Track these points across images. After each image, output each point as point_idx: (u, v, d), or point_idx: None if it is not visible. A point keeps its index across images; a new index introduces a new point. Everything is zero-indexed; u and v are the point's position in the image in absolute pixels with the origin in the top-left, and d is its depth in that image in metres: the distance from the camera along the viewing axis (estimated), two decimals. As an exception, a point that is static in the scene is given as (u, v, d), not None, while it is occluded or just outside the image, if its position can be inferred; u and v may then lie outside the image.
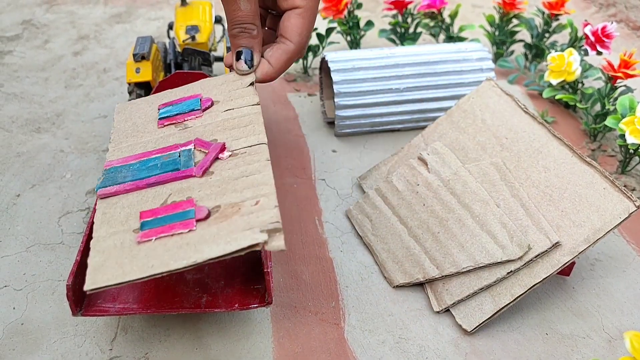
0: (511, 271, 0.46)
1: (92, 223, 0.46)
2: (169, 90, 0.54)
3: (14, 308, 0.48)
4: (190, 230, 0.39)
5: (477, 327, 0.46)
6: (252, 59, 0.47)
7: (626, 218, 0.45)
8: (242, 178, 0.43)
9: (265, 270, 0.41)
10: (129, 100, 0.63)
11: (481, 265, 0.47)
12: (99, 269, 0.38)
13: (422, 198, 0.54)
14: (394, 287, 0.51)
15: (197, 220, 0.40)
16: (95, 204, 0.45)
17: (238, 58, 0.47)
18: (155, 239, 0.39)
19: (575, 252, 0.45)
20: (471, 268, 0.47)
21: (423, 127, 0.65)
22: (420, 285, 0.50)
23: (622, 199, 0.45)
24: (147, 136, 0.49)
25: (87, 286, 0.37)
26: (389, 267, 0.52)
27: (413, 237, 0.52)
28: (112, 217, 0.42)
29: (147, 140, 0.49)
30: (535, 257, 0.46)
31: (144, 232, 0.40)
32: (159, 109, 0.52)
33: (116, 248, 0.40)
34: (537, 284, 0.45)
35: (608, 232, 0.45)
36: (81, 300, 0.43)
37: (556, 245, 0.46)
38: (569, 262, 0.45)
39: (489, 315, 0.46)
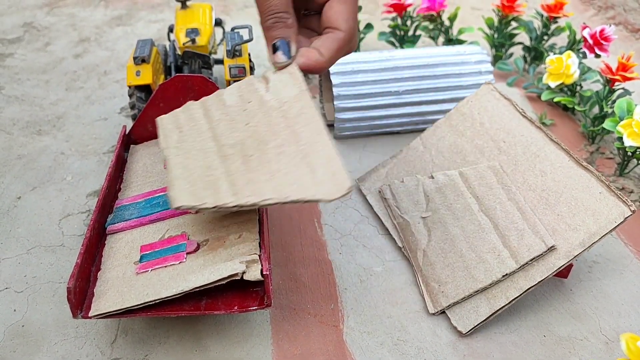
0: (506, 274, 0.46)
1: (93, 227, 0.47)
2: None
3: (14, 310, 0.49)
4: (180, 262, 0.44)
5: (472, 329, 0.46)
6: (289, 49, 0.45)
7: (621, 222, 0.45)
8: (229, 213, 0.47)
9: (264, 273, 0.42)
10: (129, 102, 0.63)
11: (287, 200, 0.39)
12: (102, 296, 0.43)
13: (249, 117, 0.46)
14: (174, 208, 0.41)
15: (188, 253, 0.45)
16: (96, 208, 0.49)
17: (274, 50, 0.45)
18: (152, 270, 0.44)
19: (571, 255, 0.45)
20: (274, 202, 0.39)
21: (422, 130, 0.66)
22: (418, 287, 0.51)
23: (618, 204, 0.46)
24: (154, 176, 0.54)
25: (92, 312, 0.42)
26: (178, 184, 0.42)
27: (221, 156, 0.44)
28: (118, 251, 0.47)
29: (154, 180, 0.54)
30: (531, 260, 0.46)
31: (143, 264, 0.45)
32: None
33: (118, 278, 0.44)
34: (532, 286, 0.46)
35: (603, 236, 0.45)
36: (82, 302, 0.43)
37: (551, 249, 0.46)
38: (565, 266, 0.46)
39: (484, 318, 0.46)
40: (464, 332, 0.46)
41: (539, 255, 0.46)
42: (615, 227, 0.45)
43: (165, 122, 0.49)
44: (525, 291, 0.46)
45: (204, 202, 0.40)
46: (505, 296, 0.46)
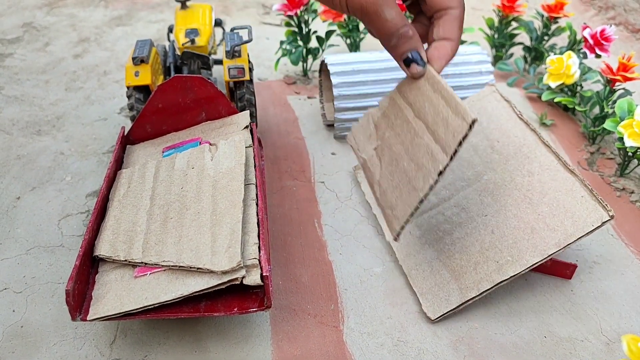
0: (441, 172, 0.42)
1: (92, 228, 0.47)
2: (174, 133, 0.60)
3: (13, 310, 0.49)
4: (180, 266, 0.44)
5: (441, 316, 0.47)
6: (421, 58, 0.45)
7: (599, 226, 0.46)
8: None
9: (264, 274, 0.42)
10: (128, 104, 0.63)
11: (183, 264, 0.44)
12: (100, 300, 0.43)
13: (186, 181, 0.51)
14: (94, 256, 0.47)
15: None
16: (95, 209, 0.49)
17: (408, 64, 0.46)
18: (150, 273, 0.44)
19: (545, 254, 0.46)
20: (171, 265, 0.44)
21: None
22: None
23: (597, 208, 0.47)
24: None
25: (90, 316, 0.42)
26: (104, 236, 0.47)
27: (149, 214, 0.49)
28: None
29: None
30: (458, 145, 0.42)
31: (141, 267, 0.45)
32: (163, 152, 0.57)
33: (117, 281, 0.45)
34: (504, 280, 0.47)
35: (579, 238, 0.46)
36: (80, 305, 0.43)
37: (474, 122, 0.41)
38: (538, 264, 0.46)
39: (455, 306, 0.47)
40: (432, 319, 0.47)
41: (465, 137, 0.42)
42: (592, 230, 0.46)
43: (122, 176, 0.54)
44: (497, 284, 0.47)
45: (117, 255, 0.46)
46: (477, 288, 0.47)
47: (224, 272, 0.42)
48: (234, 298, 0.43)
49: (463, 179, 0.55)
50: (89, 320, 0.42)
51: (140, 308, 0.41)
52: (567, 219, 0.47)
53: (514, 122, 0.55)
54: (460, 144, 0.41)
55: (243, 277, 0.42)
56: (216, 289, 0.42)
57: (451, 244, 0.51)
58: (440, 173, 0.42)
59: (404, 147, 0.47)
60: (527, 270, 0.46)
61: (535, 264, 0.46)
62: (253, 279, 0.42)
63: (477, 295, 0.47)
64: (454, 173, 0.56)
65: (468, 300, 0.47)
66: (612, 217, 0.46)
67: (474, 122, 0.41)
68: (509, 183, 0.52)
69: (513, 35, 0.86)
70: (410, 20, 0.47)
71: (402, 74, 0.68)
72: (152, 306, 0.42)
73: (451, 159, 0.42)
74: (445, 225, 0.53)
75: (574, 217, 0.47)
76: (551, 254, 0.46)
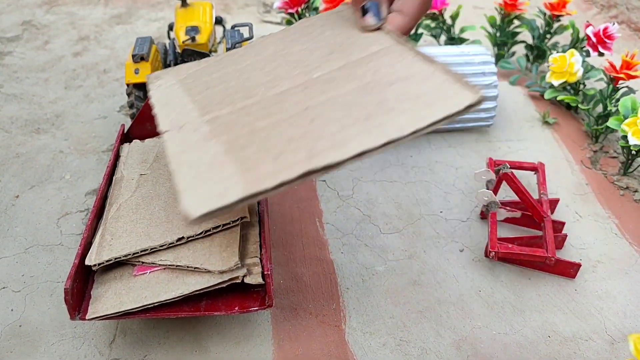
0: (181, 238, 0.45)
1: (91, 226, 0.46)
2: None
3: (12, 310, 0.48)
4: (178, 266, 0.44)
5: (207, 213, 0.34)
6: (379, 11, 0.43)
7: (463, 110, 0.37)
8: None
9: (265, 273, 0.41)
10: (128, 101, 0.62)
11: (179, 265, 0.43)
12: (99, 299, 0.43)
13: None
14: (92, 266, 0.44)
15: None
16: (94, 207, 0.48)
17: (363, 14, 0.44)
18: (150, 272, 0.44)
19: (381, 141, 0.36)
20: (168, 264, 0.44)
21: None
22: (421, 287, 0.50)
23: (462, 91, 0.38)
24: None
25: (89, 315, 0.41)
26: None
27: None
28: None
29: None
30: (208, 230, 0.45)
31: (140, 266, 0.44)
32: None
33: (116, 280, 0.44)
34: (317, 170, 0.35)
35: (435, 122, 0.37)
36: (79, 303, 0.42)
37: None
38: (371, 151, 0.36)
39: (231, 202, 0.35)
40: (193, 217, 0.34)
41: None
42: (457, 112, 0.37)
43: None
44: (306, 173, 0.35)
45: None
46: (272, 179, 0.35)
47: (222, 272, 0.41)
48: (234, 297, 0.43)
49: (282, 77, 0.45)
50: (88, 319, 0.41)
51: (140, 307, 0.41)
52: (420, 104, 0.38)
53: (373, 34, 0.46)
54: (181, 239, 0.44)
55: (244, 276, 0.41)
56: (217, 287, 0.41)
57: (249, 135, 0.40)
58: (180, 239, 0.44)
59: (167, 192, 0.49)
60: (352, 158, 0.36)
61: (366, 151, 0.36)
62: (254, 278, 0.42)
63: (269, 190, 0.34)
64: (269, 74, 0.46)
65: (253, 196, 0.34)
66: (481, 98, 0.36)
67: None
68: (346, 77, 0.42)
69: (515, 34, 0.85)
70: None
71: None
72: (152, 305, 0.41)
73: (202, 233, 0.44)
74: (247, 118, 0.41)
75: (429, 101, 0.38)
76: (392, 140, 0.36)
